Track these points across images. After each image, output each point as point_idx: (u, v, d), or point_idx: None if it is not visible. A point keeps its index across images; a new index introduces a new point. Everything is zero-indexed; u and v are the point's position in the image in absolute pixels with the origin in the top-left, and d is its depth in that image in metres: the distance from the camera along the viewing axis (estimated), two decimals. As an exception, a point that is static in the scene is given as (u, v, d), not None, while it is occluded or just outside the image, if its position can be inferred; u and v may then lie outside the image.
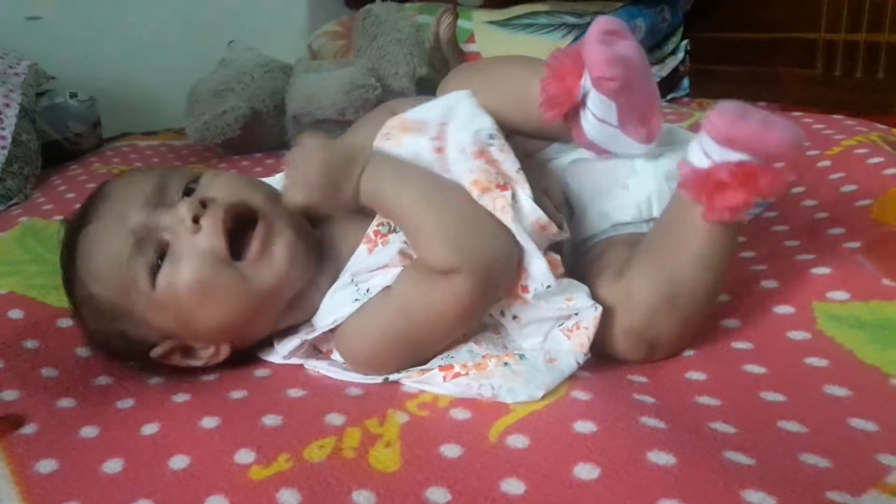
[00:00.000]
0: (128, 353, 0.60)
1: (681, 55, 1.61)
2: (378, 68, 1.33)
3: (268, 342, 0.62)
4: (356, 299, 0.56)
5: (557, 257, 0.56)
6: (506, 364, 0.53)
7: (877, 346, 0.52)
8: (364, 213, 0.58)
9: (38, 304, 0.68)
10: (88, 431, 0.51)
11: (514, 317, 0.56)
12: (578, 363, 0.54)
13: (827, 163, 0.85)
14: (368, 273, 0.57)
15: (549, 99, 0.58)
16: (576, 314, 0.55)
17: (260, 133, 1.38)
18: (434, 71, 1.57)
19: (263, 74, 1.39)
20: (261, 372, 0.60)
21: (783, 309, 0.59)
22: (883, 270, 0.60)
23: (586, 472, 0.42)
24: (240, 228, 0.56)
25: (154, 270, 0.55)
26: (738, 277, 0.65)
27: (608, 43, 0.55)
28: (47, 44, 1.52)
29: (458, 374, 0.53)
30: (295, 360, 0.60)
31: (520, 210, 0.53)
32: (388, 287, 0.55)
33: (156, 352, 0.58)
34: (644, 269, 0.55)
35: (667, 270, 0.54)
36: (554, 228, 0.55)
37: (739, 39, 1.53)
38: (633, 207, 0.62)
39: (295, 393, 0.55)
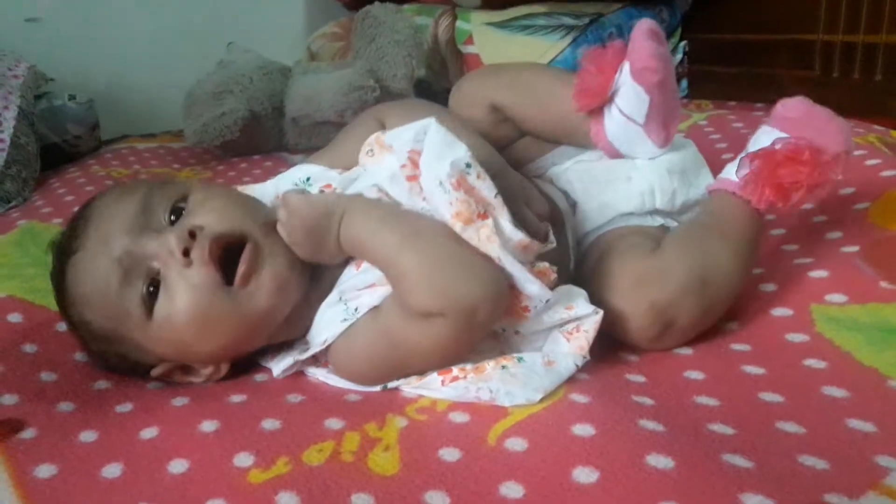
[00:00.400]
0: (128, 369, 0.60)
1: (679, 56, 1.61)
2: (376, 70, 1.34)
3: (264, 349, 0.62)
4: (345, 319, 0.55)
5: (546, 265, 0.55)
6: (504, 367, 0.53)
7: (875, 347, 0.53)
8: None
9: (37, 308, 0.68)
10: (87, 436, 0.51)
11: (516, 332, 0.56)
12: (577, 366, 0.54)
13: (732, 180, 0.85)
14: (357, 291, 0.56)
15: (584, 89, 0.61)
16: (577, 319, 0.55)
17: (259, 135, 1.38)
18: (432, 72, 1.57)
19: (262, 76, 1.39)
20: (260, 377, 0.60)
21: (781, 311, 0.59)
22: (881, 273, 0.60)
23: (585, 475, 0.42)
24: (233, 251, 0.56)
25: (147, 301, 0.55)
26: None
27: (653, 40, 0.58)
28: (46, 46, 1.52)
29: (456, 378, 0.53)
30: (288, 372, 0.60)
31: (503, 235, 0.52)
32: (377, 308, 0.55)
33: (155, 372, 0.59)
34: (682, 249, 0.58)
35: (704, 254, 0.57)
36: (536, 245, 0.54)
37: (737, 40, 1.53)
38: (637, 197, 0.64)
39: (294, 398, 0.55)
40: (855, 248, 0.65)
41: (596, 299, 0.57)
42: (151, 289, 0.55)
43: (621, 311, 0.56)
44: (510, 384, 0.51)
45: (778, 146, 0.57)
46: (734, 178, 0.60)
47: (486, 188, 0.52)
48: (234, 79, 1.37)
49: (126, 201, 0.58)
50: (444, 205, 0.52)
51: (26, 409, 0.54)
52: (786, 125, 0.60)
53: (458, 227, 0.52)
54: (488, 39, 1.51)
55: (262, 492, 0.43)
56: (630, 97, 0.60)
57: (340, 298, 0.57)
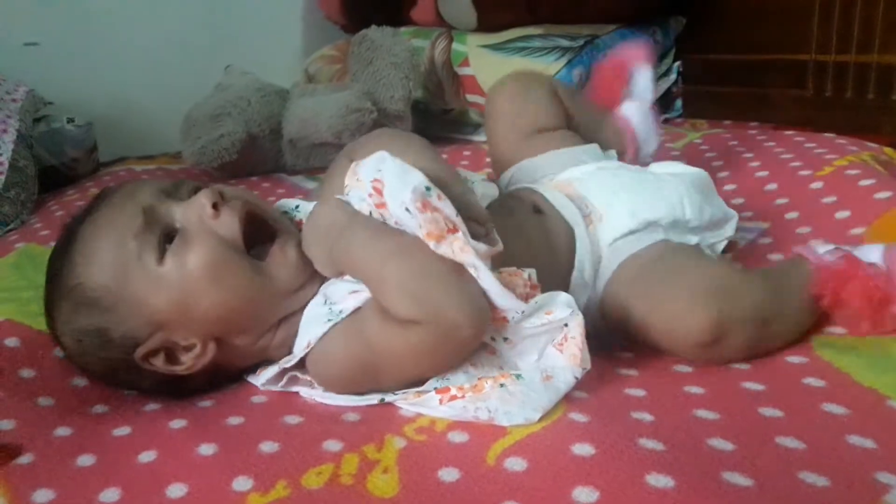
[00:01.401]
0: (105, 357, 0.58)
1: (673, 76, 1.62)
2: (374, 92, 1.35)
3: (253, 370, 0.62)
4: (329, 319, 0.56)
5: (514, 269, 0.56)
6: (502, 385, 0.53)
7: (874, 370, 0.53)
8: None
9: (35, 332, 0.67)
10: (85, 460, 0.51)
11: (505, 339, 0.56)
12: (577, 378, 0.54)
13: (819, 184, 0.86)
14: (341, 296, 0.57)
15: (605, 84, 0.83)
16: (565, 325, 0.55)
17: (256, 157, 1.39)
18: (429, 94, 1.58)
19: (260, 99, 1.40)
20: (257, 398, 0.60)
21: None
22: None
23: (585, 495, 0.41)
24: (250, 236, 0.59)
25: (162, 246, 0.57)
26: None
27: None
28: (45, 69, 1.53)
29: (454, 397, 0.53)
30: (273, 387, 0.60)
31: (472, 247, 0.53)
32: (357, 311, 0.56)
33: (140, 351, 0.57)
34: (760, 280, 0.62)
35: (777, 297, 0.60)
36: (492, 250, 0.55)
37: (731, 61, 1.55)
38: (666, 207, 0.67)
39: (292, 419, 0.55)
40: None
41: (647, 302, 0.59)
42: (167, 243, 0.57)
43: (680, 314, 0.57)
44: (509, 403, 0.51)
45: (871, 271, 0.59)
46: (824, 255, 0.62)
47: (448, 207, 0.54)
48: (232, 101, 1.38)
49: (157, 180, 0.62)
50: (414, 228, 0.53)
51: (24, 435, 0.54)
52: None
53: (432, 245, 0.53)
54: (484, 61, 1.52)
55: (261, 516, 0.43)
56: (643, 82, 0.82)
57: (325, 302, 0.58)
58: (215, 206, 0.58)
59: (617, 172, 0.73)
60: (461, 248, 0.52)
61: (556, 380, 0.53)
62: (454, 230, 0.53)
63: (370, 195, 0.56)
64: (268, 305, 0.59)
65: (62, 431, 0.55)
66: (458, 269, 0.53)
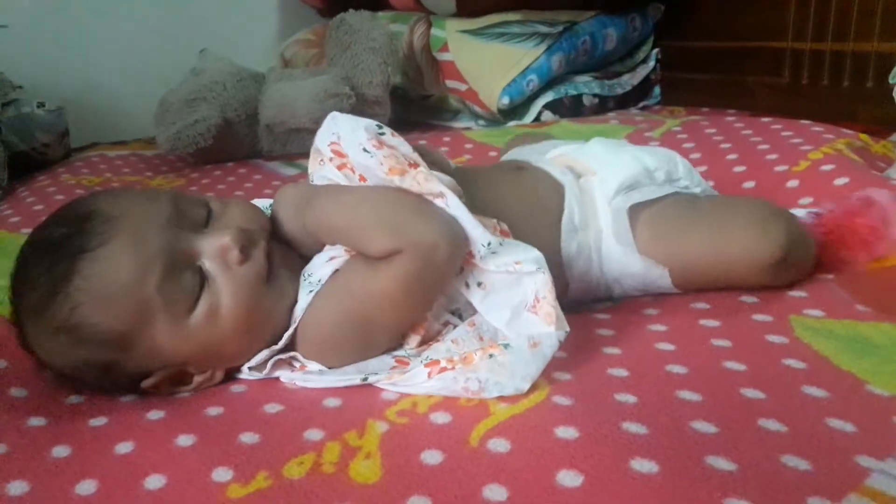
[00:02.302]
0: (106, 381, 0.57)
1: (652, 64, 1.63)
2: (352, 77, 1.33)
3: None
4: (310, 290, 0.57)
5: (493, 220, 0.58)
6: (491, 356, 0.52)
7: (852, 355, 0.53)
8: None
9: (5, 322, 0.66)
10: (60, 451, 0.50)
11: (479, 283, 0.57)
12: (560, 341, 0.54)
13: (795, 182, 0.87)
14: (319, 266, 0.58)
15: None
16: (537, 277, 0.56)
17: (232, 142, 1.37)
18: (408, 79, 1.57)
19: (236, 83, 1.38)
20: (236, 388, 0.59)
21: (761, 317, 0.60)
22: (857, 298, 0.62)
23: (569, 479, 0.41)
24: None
25: (194, 295, 0.55)
26: (716, 290, 0.66)
27: None
28: (14, 52, 1.49)
29: (444, 369, 0.53)
30: (257, 375, 0.59)
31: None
32: (336, 272, 0.57)
33: (147, 383, 0.56)
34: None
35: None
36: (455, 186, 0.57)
37: (709, 48, 1.56)
38: (661, 159, 0.71)
39: (272, 408, 0.54)
40: (830, 276, 0.67)
41: (713, 236, 0.63)
42: (199, 289, 0.55)
43: (756, 237, 0.62)
44: (498, 374, 0.51)
45: (857, 202, 0.68)
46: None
47: (404, 145, 0.57)
48: (208, 86, 1.36)
49: (156, 202, 0.58)
50: (375, 167, 0.56)
51: (-5, 425, 0.53)
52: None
53: (396, 180, 0.55)
54: (463, 47, 1.51)
55: (241, 506, 0.42)
56: None
57: (305, 278, 0.59)
58: (242, 250, 0.56)
59: (608, 141, 0.76)
60: (425, 178, 0.55)
61: (543, 345, 0.53)
62: (415, 165, 0.56)
63: (331, 159, 0.59)
64: (282, 321, 0.59)
65: (36, 422, 0.54)
66: (426, 200, 0.56)
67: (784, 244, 0.62)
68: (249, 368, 0.59)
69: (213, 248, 0.56)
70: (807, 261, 0.66)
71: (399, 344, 0.59)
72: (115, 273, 0.53)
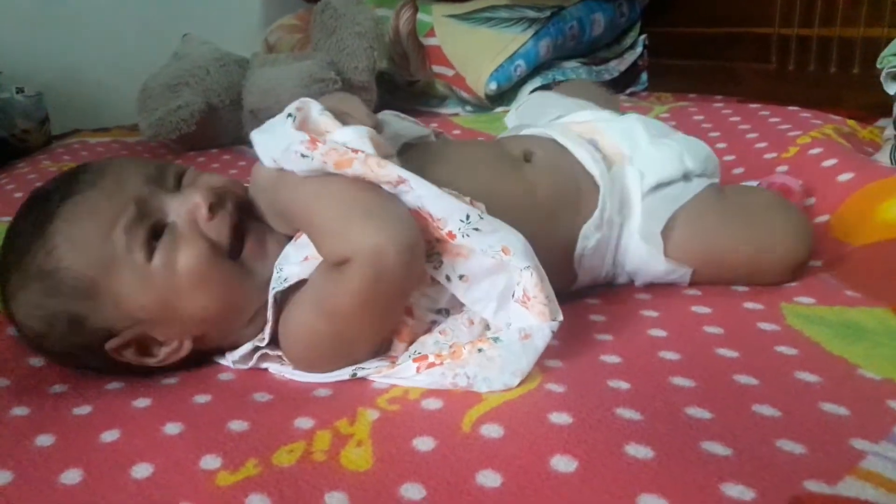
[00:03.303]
0: (73, 343, 0.56)
1: (639, 49, 1.63)
2: (337, 62, 1.32)
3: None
4: (273, 287, 0.56)
5: (466, 198, 0.54)
6: (480, 350, 0.52)
7: (843, 341, 0.53)
8: None
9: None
10: (44, 440, 0.49)
11: (461, 276, 0.54)
12: (553, 332, 0.52)
13: (784, 167, 0.87)
14: (294, 260, 0.56)
15: None
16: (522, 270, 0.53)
17: (216, 128, 1.35)
18: (394, 64, 1.56)
19: (219, 68, 1.36)
20: (225, 376, 0.58)
21: (753, 305, 0.60)
22: (846, 284, 0.63)
23: (563, 464, 0.41)
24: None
25: (148, 244, 0.55)
26: (707, 279, 0.66)
27: None
28: (-9, 37, 1.46)
29: (432, 364, 0.52)
30: (243, 367, 0.58)
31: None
32: (305, 282, 0.55)
33: (112, 343, 0.55)
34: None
35: None
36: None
37: (696, 34, 1.56)
38: (701, 156, 0.69)
39: (261, 397, 0.53)
40: (818, 263, 0.68)
41: (751, 244, 0.64)
42: (155, 240, 0.55)
43: (792, 245, 0.64)
44: (487, 369, 0.50)
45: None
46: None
47: (325, 122, 0.55)
48: (191, 71, 1.34)
49: (140, 163, 0.60)
50: (321, 167, 0.53)
51: (-23, 416, 0.52)
52: None
53: (348, 173, 0.52)
54: (450, 31, 1.50)
55: (231, 494, 0.42)
56: None
57: (279, 267, 0.57)
58: (211, 209, 0.56)
59: (650, 122, 0.72)
60: (377, 164, 0.52)
61: (535, 338, 0.52)
62: (356, 151, 0.53)
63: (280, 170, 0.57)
64: (247, 301, 0.58)
65: (19, 411, 0.53)
66: (377, 191, 0.52)
67: (811, 245, 0.65)
68: (234, 362, 0.58)
69: (183, 206, 0.57)
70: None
71: (386, 348, 0.56)
72: (87, 216, 0.55)
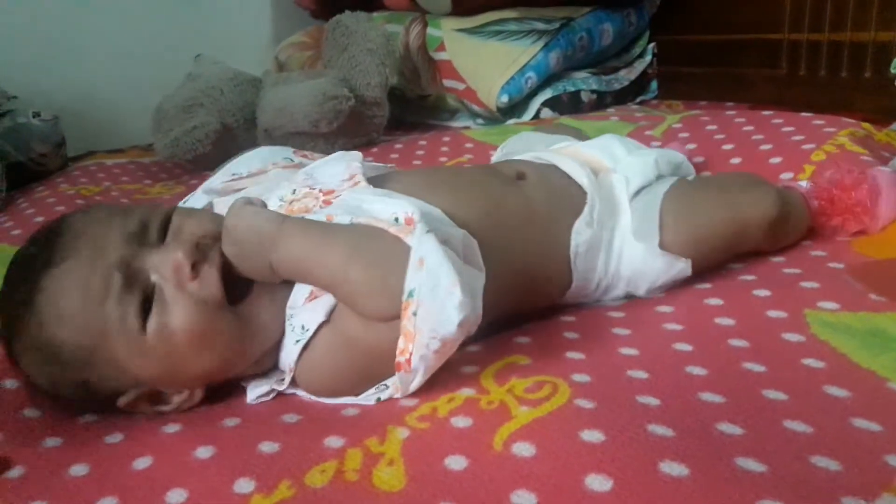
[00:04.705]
0: (84, 399, 0.56)
1: (648, 58, 1.63)
2: (350, 79, 1.33)
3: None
4: (297, 340, 0.54)
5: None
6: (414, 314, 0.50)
7: (870, 351, 0.53)
8: None
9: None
10: (78, 469, 0.49)
11: None
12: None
13: (803, 185, 0.86)
14: (299, 306, 0.55)
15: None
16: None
17: (231, 148, 1.35)
18: (405, 80, 1.56)
19: (233, 88, 1.37)
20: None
21: (776, 313, 0.60)
22: (870, 288, 0.62)
23: (598, 483, 0.41)
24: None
25: (141, 313, 0.53)
26: (729, 285, 0.66)
27: None
28: (7, 62, 1.48)
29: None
30: (265, 400, 0.58)
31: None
32: (329, 323, 0.54)
33: (122, 401, 0.55)
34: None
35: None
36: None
37: (705, 41, 1.56)
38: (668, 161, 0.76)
39: (290, 418, 0.54)
40: (840, 265, 0.67)
41: (725, 207, 0.67)
42: (147, 304, 0.53)
43: (758, 200, 0.68)
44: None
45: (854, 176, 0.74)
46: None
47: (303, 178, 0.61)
48: (205, 91, 1.35)
49: (122, 217, 0.56)
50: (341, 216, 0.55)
51: (11, 447, 0.52)
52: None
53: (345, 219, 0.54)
54: (460, 45, 1.51)
55: (267, 518, 0.42)
56: None
57: (290, 316, 0.56)
58: (194, 267, 0.53)
59: (622, 138, 0.79)
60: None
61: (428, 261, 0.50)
62: (330, 193, 0.60)
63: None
64: (252, 346, 0.57)
65: (51, 442, 0.53)
66: (385, 234, 0.52)
67: (777, 200, 0.69)
68: (253, 401, 0.58)
69: (166, 265, 0.54)
70: (801, 222, 0.73)
71: None
72: (74, 289, 0.52)
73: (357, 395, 0.55)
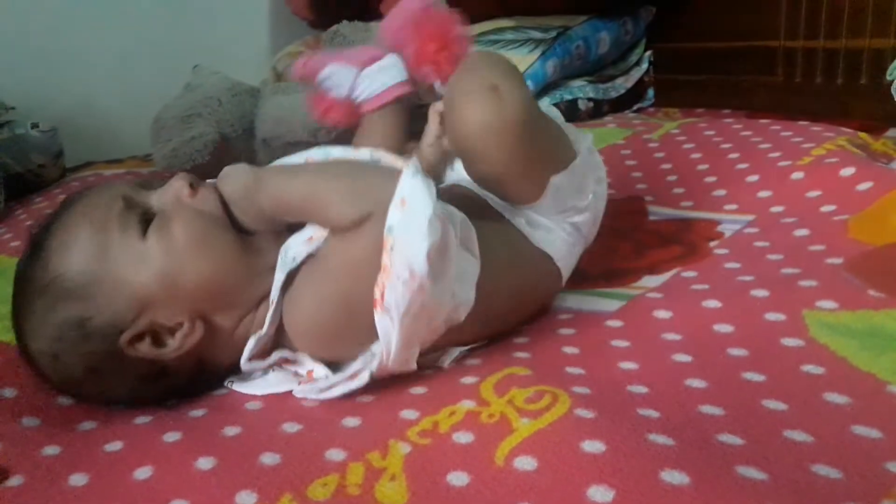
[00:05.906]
0: (86, 353, 0.56)
1: (645, 66, 1.64)
2: (348, 89, 1.32)
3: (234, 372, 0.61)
4: (282, 266, 0.57)
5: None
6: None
7: (870, 353, 0.53)
8: None
9: (14, 349, 0.65)
10: (78, 479, 0.49)
11: None
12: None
13: (800, 174, 0.87)
14: (297, 244, 0.58)
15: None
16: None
17: (230, 158, 1.35)
18: (402, 89, 1.57)
19: (231, 98, 1.37)
20: (252, 405, 0.59)
21: (774, 316, 0.60)
22: (868, 283, 0.62)
23: (601, 494, 0.41)
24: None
25: (144, 224, 0.57)
26: (727, 286, 0.66)
27: None
28: (5, 73, 1.48)
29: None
30: (258, 364, 0.59)
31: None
32: (313, 256, 0.57)
33: (125, 336, 0.55)
34: None
35: None
36: None
37: (701, 49, 1.56)
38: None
39: (291, 427, 0.54)
40: (839, 261, 0.67)
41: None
42: (146, 217, 0.57)
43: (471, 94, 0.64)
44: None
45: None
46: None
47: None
48: (203, 101, 1.35)
49: (124, 182, 0.65)
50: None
51: (10, 456, 0.52)
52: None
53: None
54: (457, 55, 1.51)
55: (268, 531, 0.42)
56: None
57: (283, 255, 0.59)
58: (192, 187, 0.59)
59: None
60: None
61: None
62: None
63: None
64: (253, 279, 0.59)
65: (50, 451, 0.53)
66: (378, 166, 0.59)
67: (498, 108, 0.63)
68: (247, 360, 0.59)
69: (167, 193, 0.59)
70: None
71: None
72: (79, 220, 0.57)
73: (343, 348, 0.57)
